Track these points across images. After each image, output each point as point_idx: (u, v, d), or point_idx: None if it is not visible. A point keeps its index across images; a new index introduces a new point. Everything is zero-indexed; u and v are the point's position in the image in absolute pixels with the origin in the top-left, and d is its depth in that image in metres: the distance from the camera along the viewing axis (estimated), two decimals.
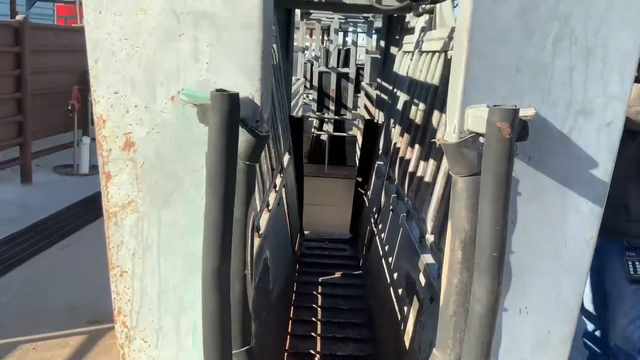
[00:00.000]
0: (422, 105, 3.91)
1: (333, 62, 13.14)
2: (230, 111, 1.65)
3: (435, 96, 3.61)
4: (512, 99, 1.79)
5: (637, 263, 3.23)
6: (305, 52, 17.03)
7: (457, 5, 3.46)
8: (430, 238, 3.03)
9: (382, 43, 7.85)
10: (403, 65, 5.17)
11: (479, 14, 1.75)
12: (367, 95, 10.97)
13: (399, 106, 4.85)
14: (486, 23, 1.76)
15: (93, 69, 1.94)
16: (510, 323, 1.98)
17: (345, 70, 13.25)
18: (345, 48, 15.66)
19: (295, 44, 8.22)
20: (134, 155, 1.99)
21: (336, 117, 12.90)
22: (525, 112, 1.70)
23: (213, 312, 1.73)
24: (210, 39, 1.86)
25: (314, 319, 4.60)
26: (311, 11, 10.98)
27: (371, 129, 6.70)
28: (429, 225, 3.08)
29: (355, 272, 5.56)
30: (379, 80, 8.14)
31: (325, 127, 13.11)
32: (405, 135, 4.30)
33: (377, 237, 4.83)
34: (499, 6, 1.75)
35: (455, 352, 1.86)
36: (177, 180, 1.98)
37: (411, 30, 5.11)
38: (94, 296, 4.84)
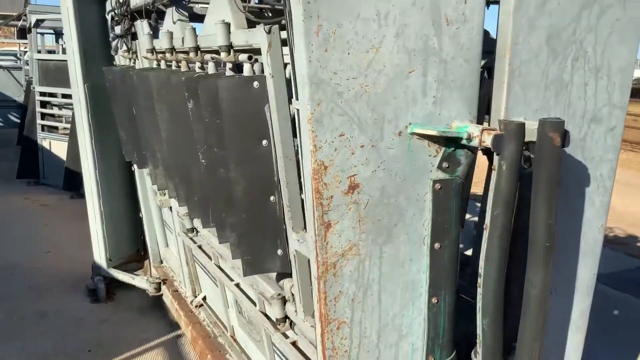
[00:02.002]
0: None
1: None
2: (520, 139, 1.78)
3: None
4: (542, 112, 2.20)
5: None
6: None
7: None
8: None
9: None
10: None
11: (517, 41, 2.08)
12: None
13: None
14: (523, 48, 2.11)
15: (315, 112, 1.79)
16: None
17: None
18: None
19: None
20: (357, 197, 1.91)
21: None
22: None
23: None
24: (437, 74, 1.92)
25: None
26: None
27: None
28: None
29: None
30: None
31: None
32: None
33: None
34: (532, 34, 2.13)
35: None
36: (399, 213, 1.98)
37: None
38: None
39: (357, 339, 2.02)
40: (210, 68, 2.84)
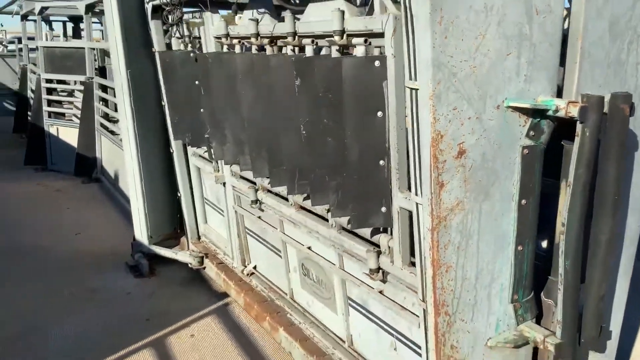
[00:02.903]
0: None
1: None
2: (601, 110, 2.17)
3: None
4: (604, 88, 2.57)
5: None
6: None
7: None
8: None
9: None
10: None
11: (587, 27, 2.46)
12: None
13: None
14: (591, 33, 2.51)
15: (436, 89, 2.15)
16: None
17: None
18: None
19: None
20: (464, 162, 2.28)
21: None
22: None
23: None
24: (528, 56, 2.29)
25: None
26: None
27: None
28: None
29: None
30: None
31: None
32: None
33: None
34: (598, 20, 2.53)
35: None
36: (495, 174, 2.36)
37: None
38: None
39: (460, 280, 2.41)
40: (309, 52, 3.17)
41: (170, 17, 4.43)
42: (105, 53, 9.16)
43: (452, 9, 2.11)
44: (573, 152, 2.29)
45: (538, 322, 2.68)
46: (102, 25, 12.06)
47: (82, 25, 12.75)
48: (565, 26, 2.56)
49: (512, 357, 2.63)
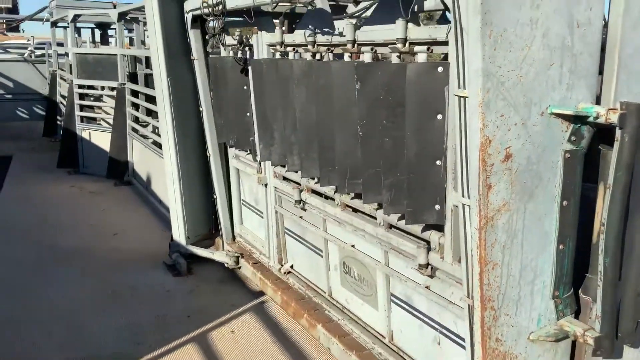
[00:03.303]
0: None
1: None
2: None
3: None
4: (638, 96, 2.69)
5: None
6: None
7: None
8: None
9: None
10: None
11: (624, 38, 2.62)
12: None
13: None
14: (628, 44, 2.66)
15: (485, 97, 2.31)
16: None
17: None
18: None
19: None
20: (510, 165, 2.44)
21: None
22: None
23: None
24: (570, 66, 2.45)
25: None
26: None
27: None
28: None
29: None
30: None
31: None
32: None
33: None
34: (635, 32, 2.68)
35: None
36: (539, 177, 2.52)
37: None
38: None
39: (505, 277, 2.56)
40: (367, 58, 3.36)
41: (213, 25, 4.62)
42: (136, 60, 9.42)
43: (500, 23, 2.27)
44: (612, 156, 2.44)
45: (576, 318, 2.83)
46: (128, 32, 12.33)
47: (109, 32, 13.14)
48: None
49: (552, 350, 2.78)
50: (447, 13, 2.92)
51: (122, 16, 8.87)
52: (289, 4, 3.87)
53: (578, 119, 2.50)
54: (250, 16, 4.16)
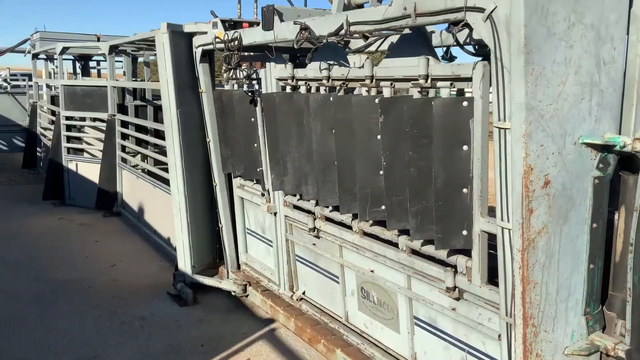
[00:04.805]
0: None
1: None
2: None
3: None
4: None
5: None
6: None
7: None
8: None
9: None
10: None
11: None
12: None
13: None
14: None
15: (527, 129, 2.53)
16: None
17: None
18: None
19: None
20: (548, 191, 2.65)
21: None
22: None
23: None
24: (598, 100, 2.69)
25: None
26: None
27: None
28: None
29: None
30: None
31: None
32: None
33: None
34: None
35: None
36: (572, 202, 2.73)
37: None
38: None
39: (544, 295, 2.75)
40: (387, 93, 3.55)
41: (230, 60, 4.79)
42: (125, 91, 9.48)
43: (540, 62, 2.50)
44: (638, 182, 2.68)
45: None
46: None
47: (91, 64, 13.16)
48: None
49: None
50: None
51: (113, 49, 8.95)
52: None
53: (605, 148, 2.74)
54: (271, 52, 4.35)
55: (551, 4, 2.49)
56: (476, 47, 3.61)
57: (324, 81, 4.05)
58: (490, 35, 2.62)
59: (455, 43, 3.52)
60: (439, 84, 3.16)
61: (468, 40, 3.60)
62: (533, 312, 2.74)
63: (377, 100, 3.47)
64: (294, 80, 4.40)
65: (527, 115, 2.53)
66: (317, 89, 4.23)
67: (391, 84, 3.51)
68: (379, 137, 3.52)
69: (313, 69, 4.15)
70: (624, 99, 2.88)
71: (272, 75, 4.64)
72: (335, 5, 4.53)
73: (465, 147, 3.03)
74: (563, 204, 2.72)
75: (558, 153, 2.64)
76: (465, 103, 2.99)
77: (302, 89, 4.33)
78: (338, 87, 3.97)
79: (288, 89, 4.52)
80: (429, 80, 3.19)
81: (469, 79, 3.01)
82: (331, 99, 3.94)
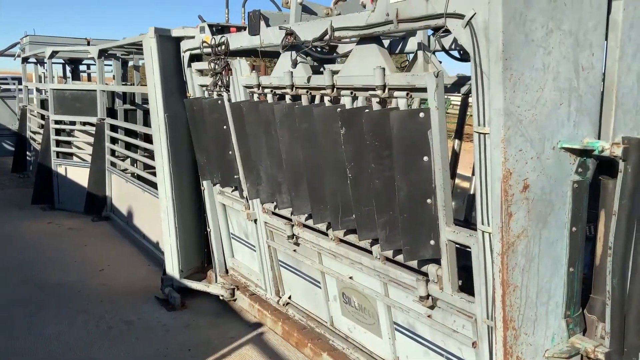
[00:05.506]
0: None
1: None
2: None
3: None
4: (633, 130, 3.07)
5: None
6: None
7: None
8: None
9: None
10: None
11: (620, 80, 2.93)
12: None
13: None
14: (623, 86, 2.98)
15: (506, 134, 2.55)
16: None
17: None
18: None
19: None
20: (527, 195, 2.68)
21: None
22: None
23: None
24: (577, 105, 2.73)
25: None
26: None
27: None
28: None
29: None
30: None
31: None
32: None
33: None
34: (628, 75, 2.99)
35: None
36: (551, 206, 2.76)
37: None
38: None
39: (524, 298, 2.78)
40: (347, 102, 3.56)
41: (215, 65, 4.80)
42: (114, 95, 9.47)
43: (519, 68, 2.53)
44: (617, 186, 2.71)
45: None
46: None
47: (81, 68, 13.13)
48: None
49: None
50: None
51: (102, 53, 8.93)
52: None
53: (584, 153, 2.77)
54: (257, 55, 4.37)
55: (529, 11, 2.52)
56: (461, 52, 3.66)
57: (288, 90, 4.06)
58: (469, 41, 2.64)
59: (440, 48, 3.57)
60: (395, 93, 3.18)
61: (453, 46, 3.65)
62: (513, 315, 2.77)
63: (338, 111, 3.46)
64: (260, 88, 4.41)
65: (506, 121, 2.55)
66: (283, 97, 4.24)
67: (352, 92, 3.52)
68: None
69: (278, 77, 4.17)
70: (603, 104, 2.92)
71: (240, 83, 4.65)
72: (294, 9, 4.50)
73: (425, 158, 3.05)
74: (542, 208, 2.74)
75: (537, 158, 2.67)
76: (422, 114, 3.00)
77: (269, 97, 4.34)
78: (302, 96, 3.97)
79: (255, 97, 4.53)
80: (387, 90, 3.21)
81: (425, 90, 3.04)
82: (295, 109, 3.91)
